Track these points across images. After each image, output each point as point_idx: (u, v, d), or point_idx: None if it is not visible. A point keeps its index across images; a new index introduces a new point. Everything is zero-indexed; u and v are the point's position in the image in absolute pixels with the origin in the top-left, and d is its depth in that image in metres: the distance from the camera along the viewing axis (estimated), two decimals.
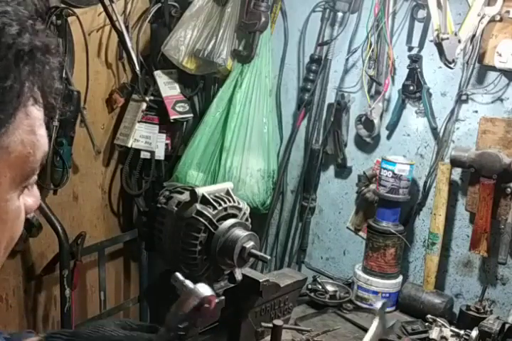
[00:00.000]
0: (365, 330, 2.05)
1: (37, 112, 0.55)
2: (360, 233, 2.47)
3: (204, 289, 0.98)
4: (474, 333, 1.86)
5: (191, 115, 2.63)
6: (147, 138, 2.56)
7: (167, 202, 1.46)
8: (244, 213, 1.51)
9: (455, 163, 2.11)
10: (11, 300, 2.41)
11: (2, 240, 0.56)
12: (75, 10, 2.20)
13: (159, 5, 2.49)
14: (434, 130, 2.24)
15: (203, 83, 2.70)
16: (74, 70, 2.29)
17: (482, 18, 1.97)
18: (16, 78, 0.51)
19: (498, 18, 2.00)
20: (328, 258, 2.62)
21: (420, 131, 2.29)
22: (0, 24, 0.50)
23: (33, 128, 0.54)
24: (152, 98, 2.56)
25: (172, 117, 2.56)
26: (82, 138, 2.42)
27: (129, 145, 2.56)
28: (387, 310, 2.23)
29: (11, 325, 2.43)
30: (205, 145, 2.55)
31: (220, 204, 1.45)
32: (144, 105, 2.54)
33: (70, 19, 2.19)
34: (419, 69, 2.19)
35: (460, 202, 2.22)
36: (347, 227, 2.53)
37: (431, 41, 1.96)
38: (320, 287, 2.25)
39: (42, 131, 0.56)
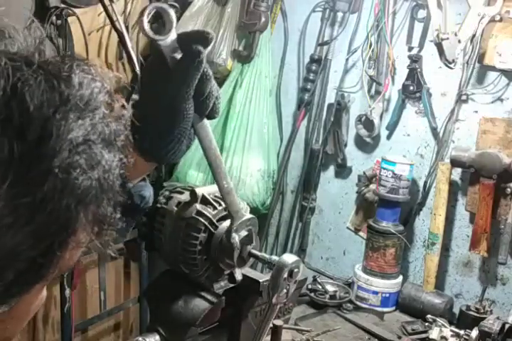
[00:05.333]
0: (366, 330, 2.06)
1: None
2: (360, 233, 2.47)
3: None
4: (474, 333, 1.86)
5: None
6: None
7: (167, 202, 1.46)
8: None
9: (455, 163, 2.11)
10: None
11: (16, 332, 0.59)
12: (75, 10, 2.20)
13: None
14: (434, 130, 2.24)
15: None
16: None
17: (482, 18, 1.97)
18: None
19: (498, 18, 2.00)
20: (328, 258, 2.61)
21: (420, 131, 2.29)
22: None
23: (76, 253, 0.55)
24: None
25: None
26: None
27: None
28: (388, 310, 2.24)
29: None
30: None
31: (220, 204, 1.45)
32: None
33: (70, 19, 2.19)
34: (419, 69, 2.19)
35: (460, 202, 2.22)
36: (347, 227, 2.53)
37: (431, 41, 1.96)
38: (320, 287, 2.25)
39: (79, 252, 0.56)
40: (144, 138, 0.82)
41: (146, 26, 0.79)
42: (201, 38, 0.82)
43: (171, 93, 0.82)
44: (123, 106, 0.57)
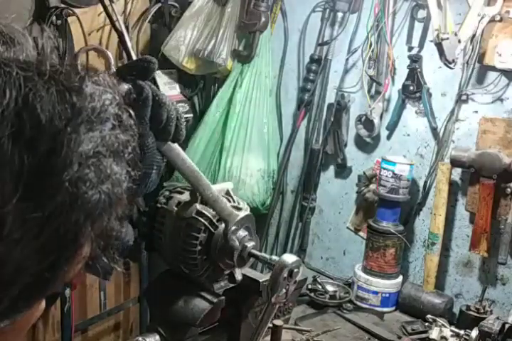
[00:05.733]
0: (366, 330, 2.06)
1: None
2: (360, 233, 2.47)
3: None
4: (474, 333, 1.86)
5: (191, 115, 2.63)
6: None
7: (167, 202, 1.46)
8: None
9: (455, 163, 2.11)
10: None
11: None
12: (75, 10, 2.20)
13: (159, 5, 2.49)
14: (434, 130, 2.24)
15: (203, 83, 2.70)
16: None
17: (482, 18, 1.97)
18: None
19: (498, 18, 2.00)
20: (328, 258, 2.62)
21: (420, 131, 2.29)
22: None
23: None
24: None
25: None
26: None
27: None
28: (388, 310, 2.24)
29: None
30: (205, 146, 2.55)
31: None
32: None
33: (70, 19, 2.19)
34: (419, 69, 2.19)
35: (460, 202, 2.22)
36: (347, 227, 2.53)
37: (431, 41, 1.96)
38: (320, 287, 2.25)
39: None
40: None
41: None
42: (141, 69, 0.79)
43: None
44: (130, 115, 0.55)
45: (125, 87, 0.55)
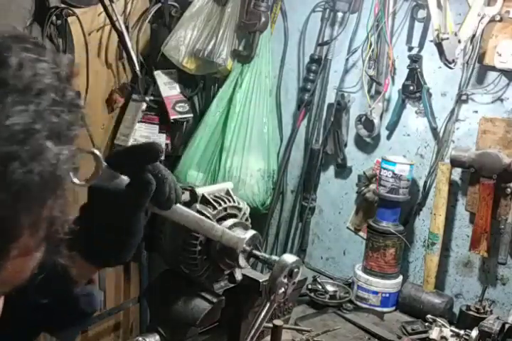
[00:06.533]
0: (366, 330, 2.06)
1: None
2: (360, 233, 2.47)
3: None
4: (474, 333, 1.86)
5: (191, 115, 2.63)
6: (147, 138, 2.56)
7: None
8: (244, 213, 1.51)
9: (455, 163, 2.11)
10: None
11: None
12: (75, 10, 2.20)
13: (159, 5, 2.49)
14: (434, 130, 2.24)
15: (203, 83, 2.70)
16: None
17: (482, 18, 1.97)
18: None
19: (498, 18, 2.00)
20: (328, 258, 2.62)
21: (420, 131, 2.29)
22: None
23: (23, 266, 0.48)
24: (152, 98, 2.56)
25: (172, 117, 2.56)
26: (82, 139, 2.41)
27: None
28: (388, 310, 2.24)
29: None
30: (205, 146, 2.55)
31: (220, 204, 1.45)
32: (144, 105, 2.54)
33: (70, 19, 2.19)
34: (419, 69, 2.19)
35: (460, 202, 2.22)
36: (347, 227, 2.53)
37: (431, 41, 1.96)
38: (320, 287, 2.25)
39: (32, 262, 0.49)
40: (92, 247, 0.75)
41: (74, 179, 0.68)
42: (146, 152, 0.73)
43: (122, 216, 0.75)
44: (78, 93, 0.50)
45: (64, 57, 0.49)
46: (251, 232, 1.24)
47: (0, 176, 0.41)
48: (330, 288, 2.25)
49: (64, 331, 0.81)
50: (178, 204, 0.88)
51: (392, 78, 2.31)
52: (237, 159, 2.48)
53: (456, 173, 2.20)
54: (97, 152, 0.69)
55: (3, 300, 0.52)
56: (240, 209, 1.49)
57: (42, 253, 0.49)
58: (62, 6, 2.15)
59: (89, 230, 0.71)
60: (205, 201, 1.43)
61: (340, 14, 2.38)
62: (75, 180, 0.66)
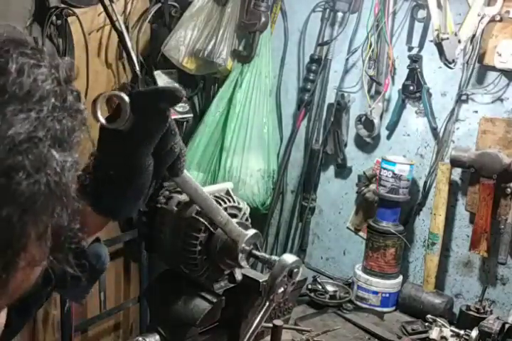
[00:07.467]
0: (366, 330, 2.06)
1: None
2: (360, 233, 2.47)
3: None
4: (474, 333, 1.87)
5: (191, 115, 2.63)
6: None
7: (167, 202, 1.46)
8: (244, 213, 1.50)
9: (455, 163, 2.11)
10: None
11: None
12: (75, 10, 2.20)
13: (159, 5, 2.49)
14: (434, 130, 2.24)
15: (203, 83, 2.70)
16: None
17: (482, 18, 1.97)
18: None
19: (498, 18, 2.00)
20: (328, 258, 2.62)
21: (420, 131, 2.29)
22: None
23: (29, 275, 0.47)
24: None
25: (172, 117, 2.55)
26: (82, 139, 2.42)
27: None
28: (388, 310, 2.24)
29: None
30: (205, 146, 2.55)
31: (220, 205, 1.45)
32: None
33: (70, 19, 2.19)
34: (419, 69, 2.19)
35: (460, 202, 2.22)
36: (347, 227, 2.53)
37: (431, 41, 1.96)
38: (320, 287, 2.25)
39: (37, 271, 0.48)
40: (100, 194, 0.75)
41: (102, 119, 0.73)
42: (170, 95, 0.76)
43: (129, 150, 0.75)
44: (78, 97, 0.49)
45: (63, 61, 0.49)
46: (253, 230, 1.24)
47: (5, 188, 0.41)
48: (330, 288, 2.25)
49: (74, 289, 0.80)
50: (190, 176, 0.91)
51: (392, 78, 2.31)
52: (237, 159, 2.48)
53: (456, 173, 2.20)
54: (122, 95, 0.72)
55: (6, 311, 0.51)
56: (240, 210, 1.49)
57: (47, 261, 0.48)
58: (62, 6, 2.15)
59: (98, 176, 0.72)
60: None
61: (340, 14, 2.38)
62: (103, 121, 0.71)
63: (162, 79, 2.56)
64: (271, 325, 1.49)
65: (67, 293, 0.87)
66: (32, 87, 0.44)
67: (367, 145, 2.42)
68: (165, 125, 0.77)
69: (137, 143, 0.74)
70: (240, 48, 2.51)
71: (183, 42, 2.46)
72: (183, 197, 1.47)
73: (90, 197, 0.69)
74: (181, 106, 2.59)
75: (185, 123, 2.64)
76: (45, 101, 0.44)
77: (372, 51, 2.30)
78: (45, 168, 0.43)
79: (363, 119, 2.37)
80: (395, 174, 2.16)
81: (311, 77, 2.49)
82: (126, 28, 2.37)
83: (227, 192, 1.51)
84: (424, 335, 2.02)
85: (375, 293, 2.22)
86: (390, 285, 2.23)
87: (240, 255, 1.23)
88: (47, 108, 0.44)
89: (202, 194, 1.02)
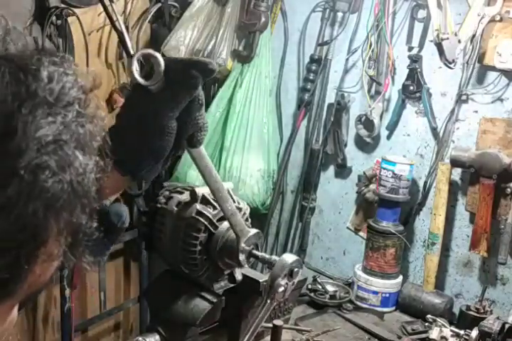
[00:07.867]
0: (366, 330, 2.06)
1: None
2: (360, 233, 2.47)
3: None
4: (474, 333, 1.86)
5: None
6: None
7: (167, 202, 1.46)
8: (245, 213, 1.50)
9: (455, 163, 2.11)
10: None
11: None
12: (75, 10, 2.20)
13: (159, 5, 2.49)
14: (434, 130, 2.24)
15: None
16: None
17: (482, 18, 1.97)
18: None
19: (498, 18, 2.00)
20: (328, 258, 2.62)
21: (420, 131, 2.29)
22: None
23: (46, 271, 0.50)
24: None
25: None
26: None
27: None
28: (388, 310, 2.24)
29: None
30: (205, 146, 2.54)
31: None
32: None
33: (70, 19, 2.19)
34: (419, 69, 2.19)
35: (460, 202, 2.22)
36: (347, 227, 2.53)
37: (431, 41, 1.96)
38: (320, 287, 2.25)
39: (53, 267, 0.51)
40: (122, 151, 0.77)
41: (137, 75, 0.79)
42: (204, 67, 0.81)
43: (155, 110, 0.79)
44: (99, 105, 0.52)
45: (87, 71, 0.54)
46: (254, 230, 1.24)
47: (32, 185, 0.43)
48: (330, 288, 2.25)
49: (95, 245, 0.83)
50: (207, 156, 0.95)
51: (392, 78, 2.31)
52: (237, 159, 2.48)
53: (456, 173, 2.20)
54: (157, 55, 0.78)
55: (17, 307, 0.53)
56: (240, 209, 1.49)
57: (62, 257, 0.51)
58: (62, 6, 2.16)
59: (122, 134, 0.77)
60: (205, 201, 1.43)
61: (340, 14, 2.38)
62: (139, 79, 0.78)
63: None
64: (271, 325, 1.49)
65: (89, 248, 0.89)
66: (60, 93, 0.47)
67: (367, 145, 2.42)
68: (193, 92, 0.81)
69: (164, 104, 0.79)
70: (240, 48, 2.51)
71: (183, 42, 2.46)
72: (183, 197, 1.47)
73: (112, 155, 0.72)
74: None
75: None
76: (71, 107, 0.47)
77: (372, 51, 2.30)
78: (69, 168, 0.46)
79: (363, 119, 2.37)
80: (395, 174, 2.16)
81: (311, 77, 2.49)
82: (126, 28, 2.37)
83: (227, 192, 1.50)
84: (424, 335, 2.01)
85: (375, 293, 2.22)
86: (390, 285, 2.23)
87: (241, 243, 1.23)
88: (72, 113, 0.47)
89: (215, 177, 1.02)
